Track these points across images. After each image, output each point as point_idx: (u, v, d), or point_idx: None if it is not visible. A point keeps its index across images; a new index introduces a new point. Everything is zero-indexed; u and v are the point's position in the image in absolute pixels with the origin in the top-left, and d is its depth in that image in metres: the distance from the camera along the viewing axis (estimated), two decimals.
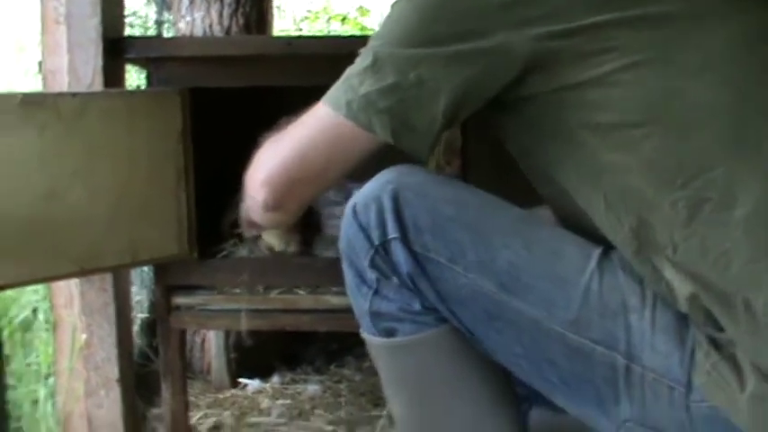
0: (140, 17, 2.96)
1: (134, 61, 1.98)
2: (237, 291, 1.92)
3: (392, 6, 1.17)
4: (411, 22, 1.12)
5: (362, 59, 1.14)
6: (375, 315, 1.22)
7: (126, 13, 2.36)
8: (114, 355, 1.85)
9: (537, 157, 1.18)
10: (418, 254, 1.17)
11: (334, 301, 1.90)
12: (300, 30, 4.39)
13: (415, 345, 1.22)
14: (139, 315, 2.60)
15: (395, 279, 1.19)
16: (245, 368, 2.55)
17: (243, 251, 1.98)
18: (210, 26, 2.50)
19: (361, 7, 4.62)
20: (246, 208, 1.28)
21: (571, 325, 1.10)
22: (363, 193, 1.21)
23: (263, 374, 2.57)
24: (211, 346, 2.54)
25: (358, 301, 1.24)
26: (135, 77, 2.69)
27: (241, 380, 2.53)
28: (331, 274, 1.81)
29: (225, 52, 1.88)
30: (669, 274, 1.06)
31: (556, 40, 1.06)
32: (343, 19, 4.68)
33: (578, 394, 1.13)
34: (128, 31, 2.42)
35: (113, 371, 1.85)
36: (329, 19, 4.59)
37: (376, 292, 1.21)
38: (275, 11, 3.05)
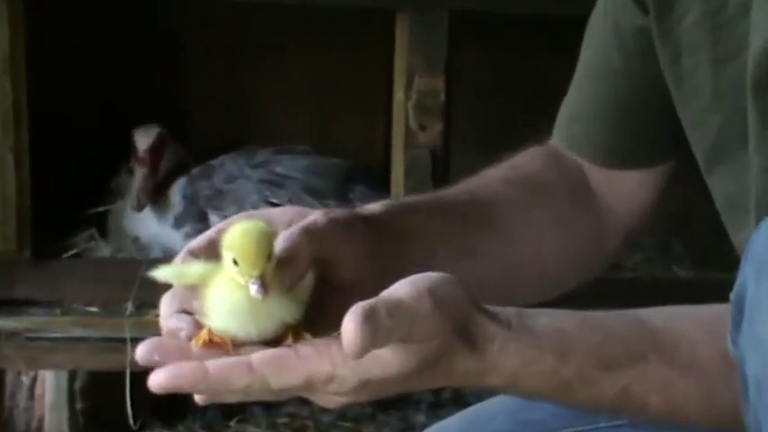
0: None
1: None
2: (94, 309, 1.59)
3: None
4: None
5: None
6: None
7: None
8: None
9: None
10: None
11: None
12: None
13: None
14: None
15: None
16: (96, 425, 2.08)
17: (106, 249, 1.65)
18: None
19: None
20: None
21: None
22: None
23: None
24: (46, 390, 2.15)
25: None
26: None
27: None
28: None
29: None
30: None
31: None
32: None
33: None
34: None
35: None
36: None
37: None
38: None
